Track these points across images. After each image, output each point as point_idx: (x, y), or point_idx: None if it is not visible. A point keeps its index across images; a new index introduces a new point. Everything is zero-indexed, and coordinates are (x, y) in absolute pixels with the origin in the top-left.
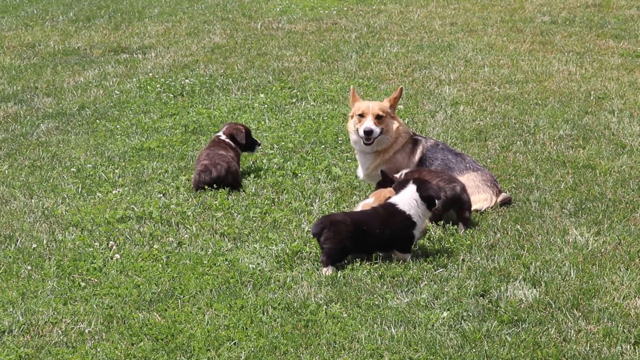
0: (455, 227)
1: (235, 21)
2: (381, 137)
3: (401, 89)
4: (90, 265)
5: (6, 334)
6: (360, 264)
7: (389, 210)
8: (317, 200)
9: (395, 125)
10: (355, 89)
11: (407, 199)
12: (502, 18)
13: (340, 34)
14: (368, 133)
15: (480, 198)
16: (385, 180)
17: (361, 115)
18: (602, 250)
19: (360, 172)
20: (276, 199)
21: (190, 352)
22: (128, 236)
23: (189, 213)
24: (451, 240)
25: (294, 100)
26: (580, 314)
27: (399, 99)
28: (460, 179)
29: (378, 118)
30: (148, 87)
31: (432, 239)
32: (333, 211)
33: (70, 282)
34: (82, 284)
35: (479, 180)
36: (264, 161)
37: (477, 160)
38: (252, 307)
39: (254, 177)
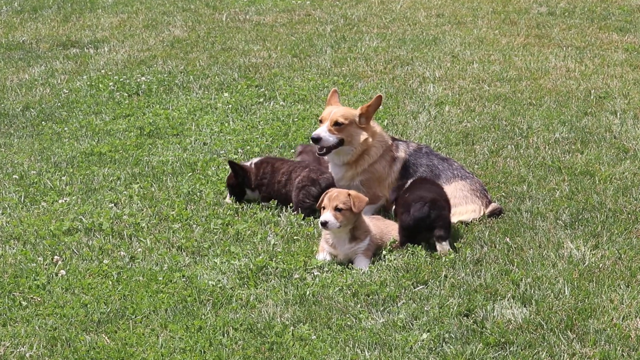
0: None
1: (197, 12)
2: (343, 148)
3: (379, 97)
4: (33, 283)
5: None
6: (331, 281)
7: None
8: (284, 210)
9: (362, 136)
10: (337, 92)
11: None
12: (494, 9)
13: (314, 26)
14: (315, 141)
15: (469, 209)
16: (236, 172)
17: (321, 121)
18: (600, 265)
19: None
20: (240, 209)
21: None
22: (75, 250)
23: (143, 224)
24: (433, 254)
25: (261, 99)
26: (574, 335)
27: (377, 108)
28: (447, 188)
29: (337, 125)
30: (100, 86)
31: (411, 252)
32: (302, 222)
33: (11, 300)
34: (24, 303)
35: (468, 189)
36: (227, 168)
37: (464, 166)
38: (211, 328)
39: (216, 186)
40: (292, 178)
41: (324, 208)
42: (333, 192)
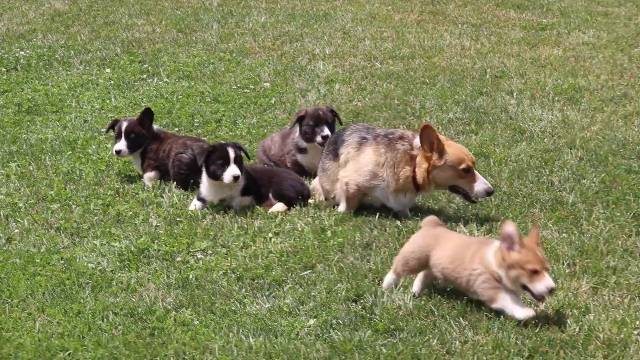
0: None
1: None
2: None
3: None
4: None
5: None
6: (215, 264)
7: None
8: (166, 191)
9: None
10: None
11: None
12: None
13: (200, 0)
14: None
15: None
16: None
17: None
18: None
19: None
20: (121, 189)
21: None
22: None
23: (21, 204)
24: (322, 236)
25: (144, 76)
26: (467, 323)
27: None
28: None
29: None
30: None
31: (297, 234)
32: (186, 203)
33: None
34: None
35: None
36: (108, 146)
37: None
38: (90, 312)
39: (96, 165)
40: (172, 149)
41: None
42: None
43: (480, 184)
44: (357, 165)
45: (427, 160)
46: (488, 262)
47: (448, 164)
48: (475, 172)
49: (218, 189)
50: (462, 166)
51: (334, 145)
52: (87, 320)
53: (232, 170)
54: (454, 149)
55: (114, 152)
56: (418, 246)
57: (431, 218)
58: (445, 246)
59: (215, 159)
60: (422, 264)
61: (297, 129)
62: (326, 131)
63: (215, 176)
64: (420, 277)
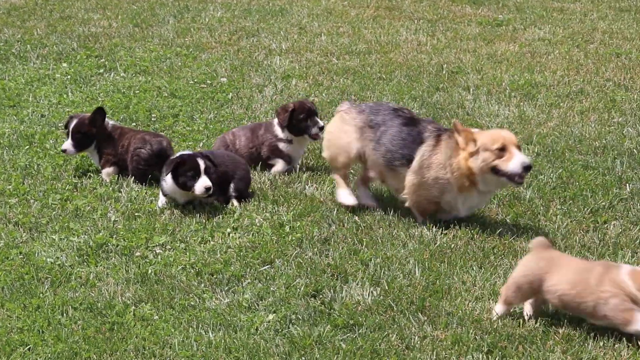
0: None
1: None
2: None
3: None
4: None
5: None
6: (174, 259)
7: None
8: (124, 186)
9: None
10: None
11: None
12: None
13: None
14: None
15: None
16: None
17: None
18: (452, 245)
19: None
20: (79, 184)
21: None
22: None
23: None
24: (280, 231)
25: (101, 70)
26: (426, 318)
27: None
28: None
29: None
30: None
31: (255, 229)
32: (145, 198)
33: None
34: None
35: None
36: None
37: (311, 143)
38: (49, 307)
39: (54, 159)
40: (131, 144)
41: None
42: None
43: (514, 160)
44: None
45: (464, 151)
46: (624, 285)
47: (481, 148)
48: (514, 150)
49: (184, 195)
50: (496, 145)
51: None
52: (47, 314)
53: (204, 182)
54: (487, 133)
55: (61, 151)
56: (530, 270)
57: (541, 239)
58: (562, 271)
59: (186, 170)
60: (535, 289)
61: (274, 121)
62: (321, 122)
63: (185, 187)
64: (530, 302)
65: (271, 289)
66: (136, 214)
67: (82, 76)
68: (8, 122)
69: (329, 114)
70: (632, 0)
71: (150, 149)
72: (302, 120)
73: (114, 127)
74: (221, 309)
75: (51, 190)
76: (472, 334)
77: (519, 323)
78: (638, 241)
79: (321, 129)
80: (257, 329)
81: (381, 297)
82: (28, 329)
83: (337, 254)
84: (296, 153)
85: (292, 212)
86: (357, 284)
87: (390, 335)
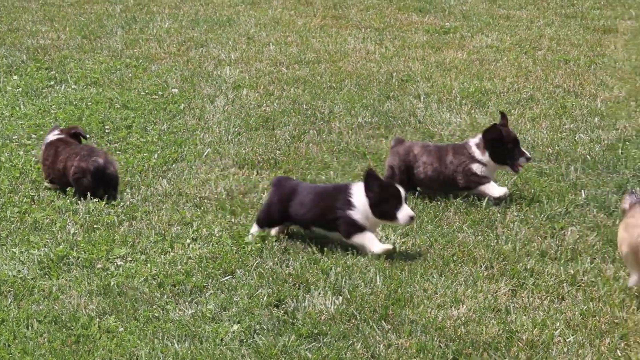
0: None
1: None
2: None
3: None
4: None
5: None
6: (135, 271)
7: None
8: (82, 199)
9: None
10: None
11: None
12: None
13: (103, 6)
14: None
15: None
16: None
17: None
18: (412, 253)
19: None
20: (36, 197)
21: None
22: None
23: None
24: (240, 241)
25: (52, 82)
26: (389, 326)
27: None
28: None
29: None
30: None
31: (215, 240)
32: (103, 209)
33: None
34: None
35: None
36: (21, 153)
37: (265, 152)
38: (14, 320)
39: (10, 172)
40: (68, 167)
41: None
42: None
43: None
44: None
45: None
46: None
47: None
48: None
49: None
50: None
51: None
52: (12, 328)
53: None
54: None
55: None
56: None
57: None
58: None
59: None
60: None
61: (473, 143)
62: (528, 154)
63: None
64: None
65: (234, 299)
66: (95, 226)
67: (34, 88)
68: None
69: (281, 124)
70: (577, 6)
71: (91, 176)
72: (510, 149)
73: (49, 145)
74: (185, 320)
75: (9, 204)
76: (436, 341)
77: (483, 330)
78: (595, 247)
79: (528, 159)
80: (222, 340)
81: (344, 305)
82: None
83: (298, 264)
84: (490, 174)
85: (250, 222)
86: (319, 293)
87: (355, 344)
